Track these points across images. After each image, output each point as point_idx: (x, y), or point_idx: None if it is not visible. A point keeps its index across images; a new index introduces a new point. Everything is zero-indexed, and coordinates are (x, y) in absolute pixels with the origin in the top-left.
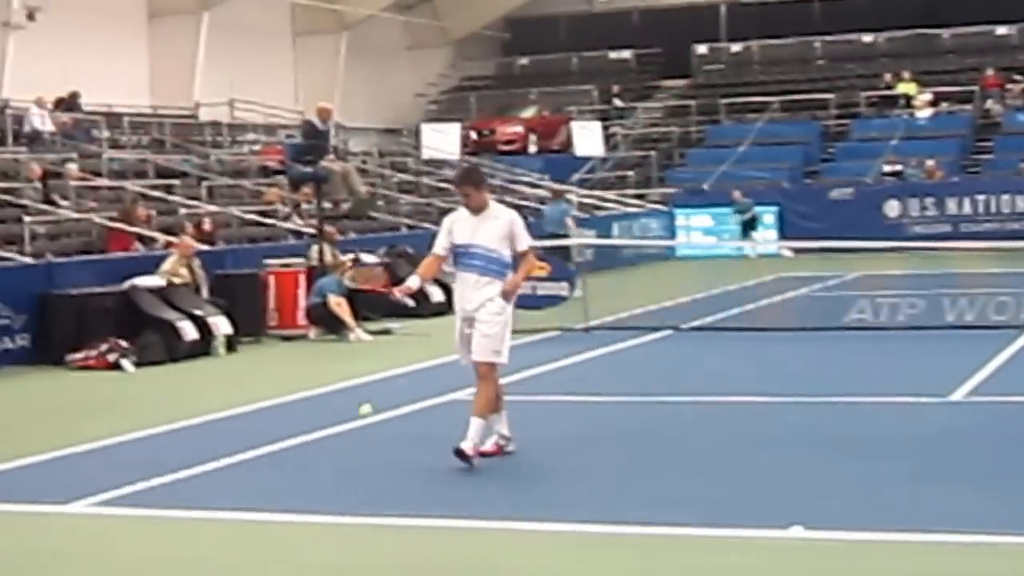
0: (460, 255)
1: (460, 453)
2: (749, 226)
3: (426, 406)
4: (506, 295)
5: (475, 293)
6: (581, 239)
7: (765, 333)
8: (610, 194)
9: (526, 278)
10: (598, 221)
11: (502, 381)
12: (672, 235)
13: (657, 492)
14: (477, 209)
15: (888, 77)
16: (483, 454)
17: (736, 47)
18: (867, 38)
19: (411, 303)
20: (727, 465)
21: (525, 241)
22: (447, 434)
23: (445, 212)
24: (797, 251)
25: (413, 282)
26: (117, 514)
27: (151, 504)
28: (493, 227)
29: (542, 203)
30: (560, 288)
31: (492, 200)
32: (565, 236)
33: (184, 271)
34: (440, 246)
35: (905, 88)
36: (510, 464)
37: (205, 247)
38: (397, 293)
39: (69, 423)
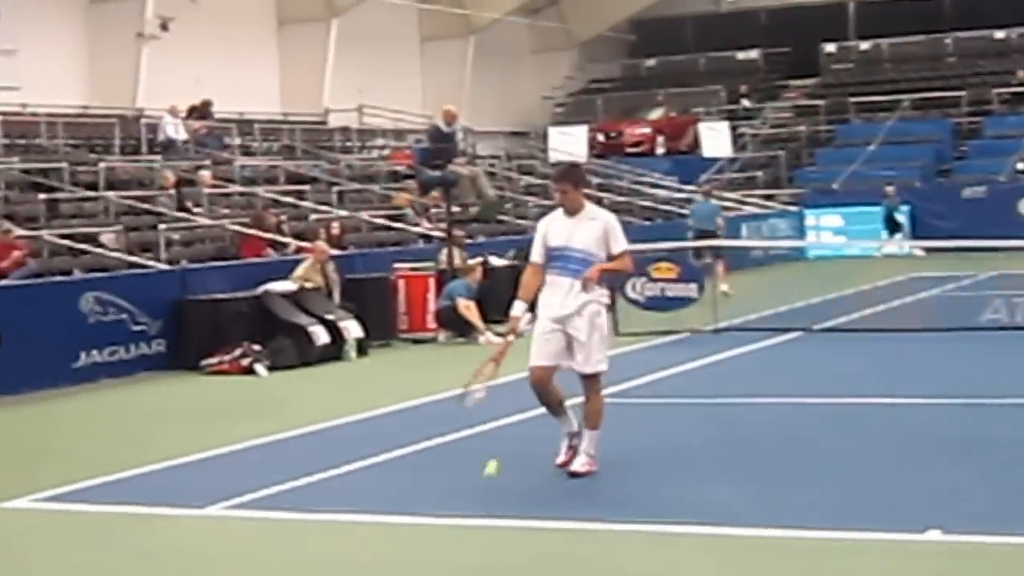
0: (554, 258)
1: (575, 475)
2: (895, 225)
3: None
4: (586, 280)
5: (571, 298)
6: (722, 241)
7: (897, 334)
8: (738, 195)
9: (611, 272)
10: (729, 222)
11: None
12: (802, 235)
13: (787, 495)
14: (573, 210)
15: (1021, 73)
16: (563, 465)
17: (865, 45)
18: (999, 34)
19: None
20: (859, 468)
21: (621, 243)
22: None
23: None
24: (929, 250)
25: (521, 318)
26: (253, 517)
27: (286, 507)
28: (589, 229)
29: (687, 201)
30: (689, 290)
31: (589, 203)
32: (714, 235)
33: (317, 276)
34: (537, 253)
35: None
36: (637, 466)
37: (335, 251)
38: (511, 337)
39: (205, 427)
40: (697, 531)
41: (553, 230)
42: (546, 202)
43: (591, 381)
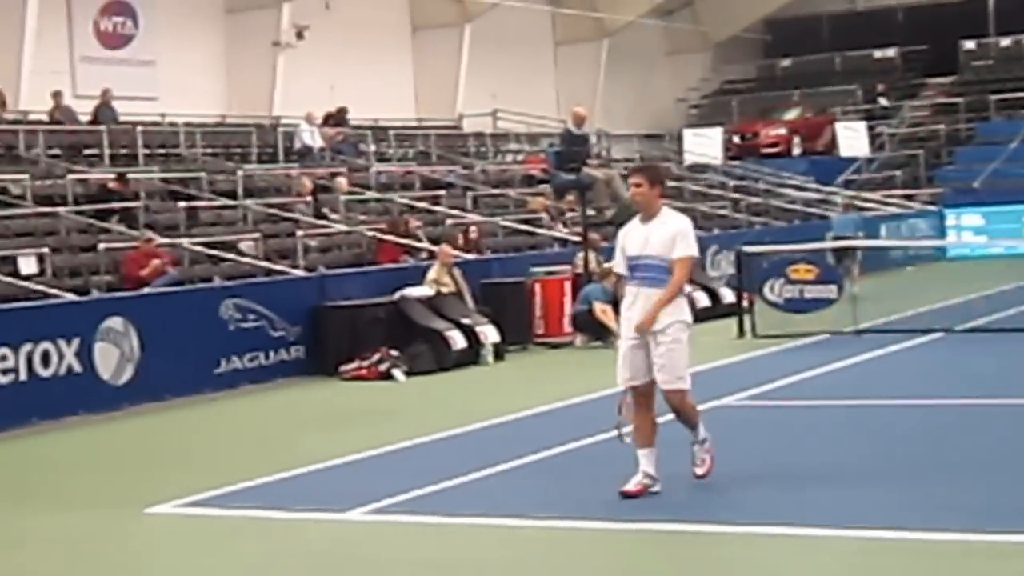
0: (633, 268)
1: (701, 478)
2: None
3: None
4: (640, 328)
5: (640, 312)
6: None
7: None
8: (877, 195)
9: (669, 300)
10: (865, 222)
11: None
12: (942, 235)
13: (932, 497)
14: (648, 213)
15: None
16: (625, 494)
17: (1006, 41)
18: None
19: None
20: (1004, 469)
21: (683, 249)
22: (719, 439)
23: (709, 217)
24: None
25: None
26: (394, 521)
27: (426, 511)
28: (661, 234)
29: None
30: (828, 291)
31: (667, 208)
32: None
33: (448, 279)
34: (620, 264)
35: None
36: (777, 469)
37: (471, 256)
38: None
39: (344, 433)
40: (841, 534)
41: (630, 239)
42: (681, 205)
43: (673, 399)
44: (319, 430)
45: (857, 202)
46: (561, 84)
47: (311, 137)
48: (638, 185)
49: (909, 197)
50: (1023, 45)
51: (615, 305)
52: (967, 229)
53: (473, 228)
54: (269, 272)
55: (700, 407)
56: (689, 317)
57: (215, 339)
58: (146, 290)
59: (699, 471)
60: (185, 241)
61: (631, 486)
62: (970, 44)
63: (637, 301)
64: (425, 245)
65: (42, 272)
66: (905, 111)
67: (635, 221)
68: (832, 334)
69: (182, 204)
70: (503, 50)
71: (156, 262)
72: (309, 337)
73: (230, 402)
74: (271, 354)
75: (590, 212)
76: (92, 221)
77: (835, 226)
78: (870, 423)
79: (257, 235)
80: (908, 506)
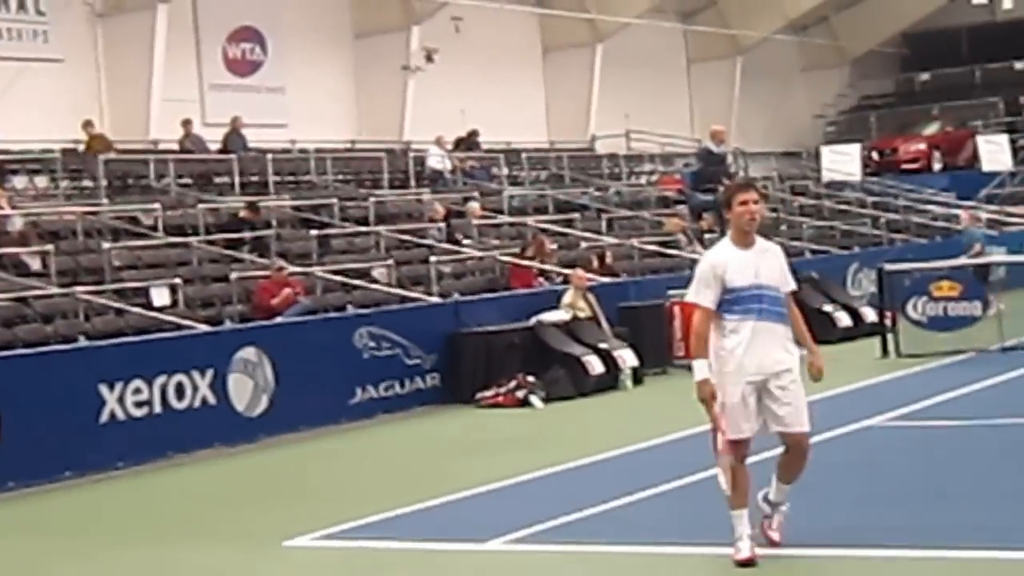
0: (744, 299)
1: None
2: None
3: (840, 433)
4: (818, 373)
5: (778, 350)
6: (994, 257)
7: None
8: (1021, 209)
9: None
10: (1010, 237)
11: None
12: None
13: None
14: (751, 239)
15: None
16: (746, 562)
17: None
18: None
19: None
20: None
21: (792, 281)
22: (866, 461)
23: (848, 235)
24: None
25: (707, 378)
26: (535, 551)
27: (568, 540)
28: (773, 263)
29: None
30: (973, 308)
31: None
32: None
33: (584, 304)
34: (710, 296)
35: None
36: (927, 490)
37: (607, 279)
38: (718, 408)
39: (482, 461)
40: (993, 556)
41: (734, 268)
42: (820, 223)
43: (805, 443)
44: (457, 459)
45: (981, 215)
46: (695, 103)
47: (441, 161)
48: (757, 201)
49: None
50: None
51: None
52: None
53: (608, 252)
54: (402, 299)
55: (845, 428)
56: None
57: (349, 368)
58: (279, 320)
59: (777, 536)
60: (317, 269)
61: (748, 552)
62: None
63: (758, 337)
64: (556, 268)
65: (174, 303)
66: None
67: (728, 247)
68: (979, 352)
69: (314, 232)
70: (635, 70)
71: (287, 291)
72: (444, 365)
73: (366, 432)
74: (406, 383)
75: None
76: (224, 251)
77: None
78: (1015, 443)
79: (390, 262)
80: None
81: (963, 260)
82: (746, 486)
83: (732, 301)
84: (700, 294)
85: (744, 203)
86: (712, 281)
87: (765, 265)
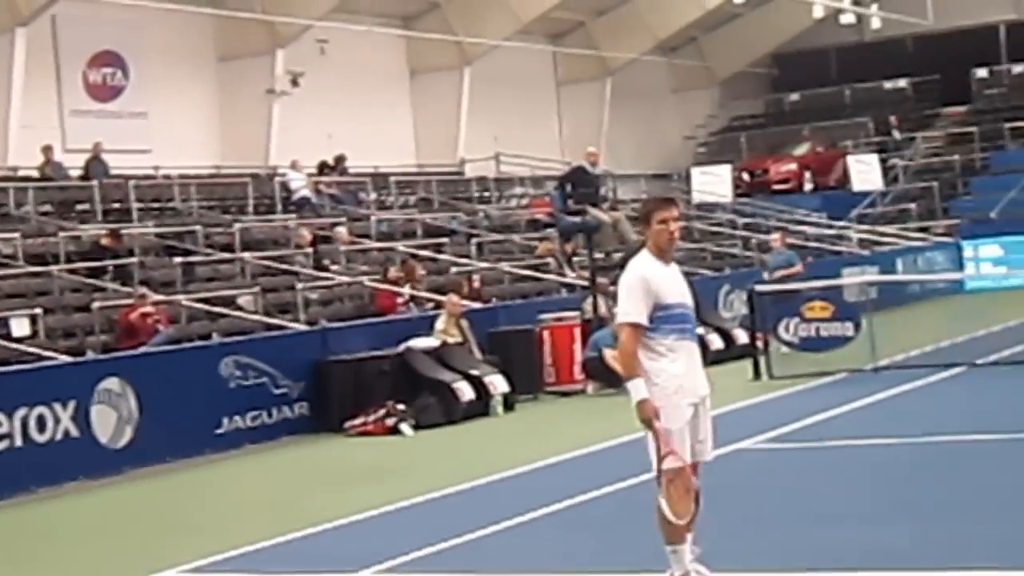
0: (676, 318)
1: None
2: None
3: (712, 457)
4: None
5: (703, 372)
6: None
7: None
8: (892, 228)
9: None
10: (881, 257)
11: None
12: (960, 267)
13: (962, 535)
14: (668, 258)
15: None
16: None
17: (1018, 68)
18: None
19: None
20: None
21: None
22: (739, 484)
23: (719, 257)
24: None
25: (647, 398)
26: None
27: (439, 569)
28: (682, 280)
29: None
30: (845, 328)
31: None
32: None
33: (455, 330)
34: (643, 312)
35: None
36: (800, 513)
37: (476, 304)
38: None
39: (352, 490)
40: None
41: (663, 284)
42: (691, 245)
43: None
44: (326, 488)
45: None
46: (565, 125)
47: (300, 185)
48: (677, 219)
49: (925, 230)
50: None
51: None
52: (985, 260)
53: (476, 276)
54: (269, 327)
55: (718, 452)
56: None
57: (215, 398)
58: (143, 350)
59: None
60: (182, 297)
61: None
62: (982, 72)
63: (691, 357)
64: (422, 294)
65: (35, 334)
66: (918, 142)
67: (651, 262)
68: (850, 372)
69: (178, 259)
70: (504, 92)
71: (146, 309)
72: (312, 393)
73: (233, 463)
74: (274, 412)
75: (598, 255)
76: (85, 280)
77: (771, 267)
78: (892, 462)
79: (256, 289)
80: (934, 545)
81: (780, 274)
82: (692, 515)
83: (664, 319)
84: (636, 311)
85: (664, 221)
86: (644, 296)
87: (680, 282)
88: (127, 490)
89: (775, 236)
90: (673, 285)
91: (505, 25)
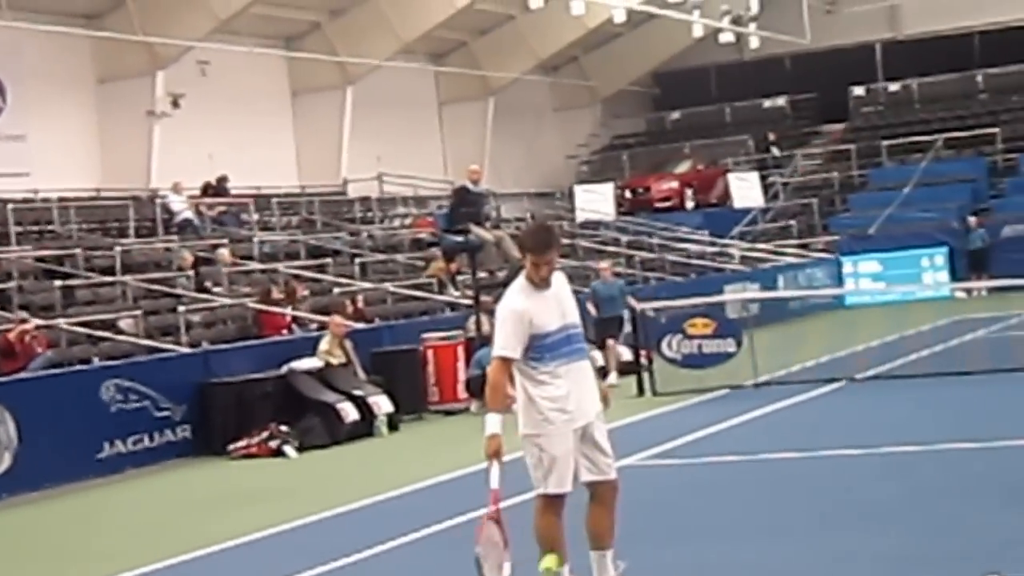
0: (557, 344)
1: None
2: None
3: None
4: (607, 402)
5: (593, 390)
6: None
7: (947, 378)
8: (773, 245)
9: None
10: (762, 273)
11: None
12: (840, 283)
13: (844, 547)
14: (546, 282)
15: None
16: None
17: (894, 86)
18: None
19: None
20: (914, 517)
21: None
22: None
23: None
24: (970, 291)
25: (498, 434)
26: None
27: None
28: (566, 295)
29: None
30: (727, 345)
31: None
32: (621, 320)
33: (339, 351)
34: (515, 346)
35: None
36: (682, 529)
37: (360, 325)
38: (496, 469)
39: (234, 514)
40: None
41: (537, 312)
42: (575, 263)
43: (613, 490)
44: (209, 512)
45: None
46: (448, 144)
47: (181, 207)
48: (549, 263)
49: (805, 246)
50: (912, 89)
51: None
52: (864, 276)
53: (359, 297)
54: (151, 350)
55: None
56: None
57: (96, 422)
58: (22, 374)
59: None
60: (62, 321)
61: None
62: (859, 90)
63: (577, 380)
64: (306, 314)
65: None
66: (797, 160)
67: (527, 291)
68: (732, 388)
69: (58, 283)
70: (387, 112)
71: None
72: (195, 416)
73: (115, 488)
74: (156, 435)
75: (481, 274)
76: None
77: (600, 296)
78: (776, 477)
79: (137, 312)
80: (815, 558)
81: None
82: (562, 538)
83: (544, 347)
84: (508, 345)
85: (536, 265)
86: (517, 329)
87: (566, 302)
88: (7, 518)
89: (604, 265)
90: (553, 310)
91: (387, 45)
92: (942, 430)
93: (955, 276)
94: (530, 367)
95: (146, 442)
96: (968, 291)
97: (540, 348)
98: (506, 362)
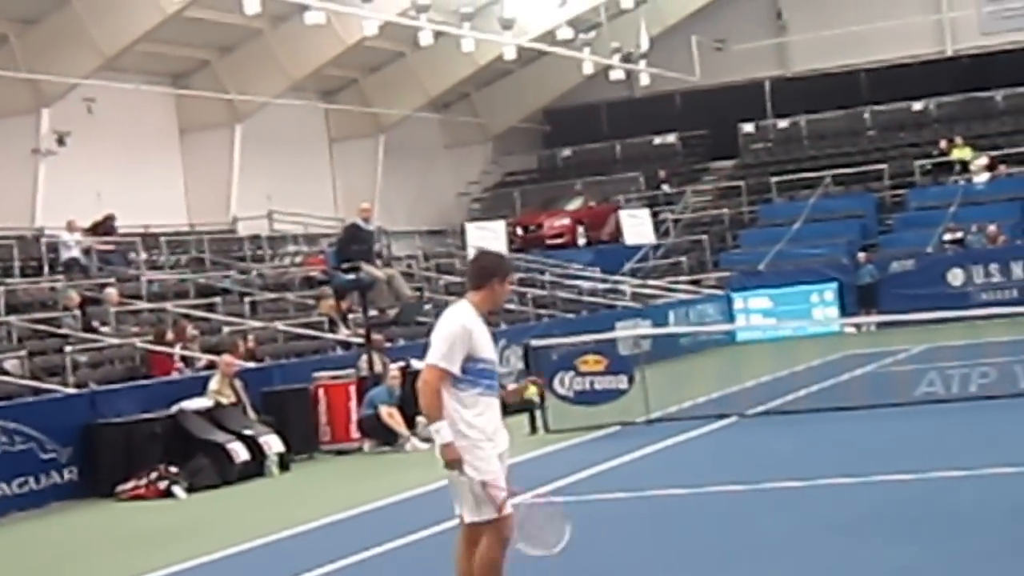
0: (489, 373)
1: None
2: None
3: None
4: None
5: (501, 425)
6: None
7: (835, 413)
8: (664, 281)
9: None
10: (653, 310)
11: None
12: (731, 319)
13: None
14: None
15: (942, 144)
16: None
17: (783, 123)
18: (917, 105)
19: None
20: (805, 551)
21: None
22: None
23: (495, 312)
24: (860, 326)
25: (451, 442)
26: None
27: None
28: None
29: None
30: (619, 381)
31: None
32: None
33: (229, 390)
34: (456, 361)
35: (960, 153)
36: (575, 567)
37: (251, 364)
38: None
39: (121, 557)
40: None
41: (482, 338)
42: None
43: (510, 527)
44: (94, 556)
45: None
46: (338, 182)
47: (74, 247)
48: (504, 289)
49: (696, 282)
50: (801, 126)
51: (401, 407)
52: (755, 312)
53: (250, 336)
54: (36, 391)
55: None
56: None
57: None
58: None
59: None
60: None
61: None
62: (748, 127)
63: (496, 412)
64: (197, 354)
65: None
66: (688, 196)
67: (474, 315)
68: (624, 424)
69: None
70: (276, 150)
71: None
72: (82, 458)
73: None
74: (41, 478)
75: (372, 312)
76: None
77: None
78: (667, 513)
79: (22, 353)
80: None
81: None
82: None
83: (478, 372)
84: (448, 357)
85: (511, 283)
86: (461, 345)
87: (488, 336)
88: None
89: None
90: (488, 341)
91: (276, 82)
92: (828, 465)
93: (844, 311)
94: (460, 390)
95: (32, 484)
96: (857, 326)
97: (472, 372)
98: (443, 373)
